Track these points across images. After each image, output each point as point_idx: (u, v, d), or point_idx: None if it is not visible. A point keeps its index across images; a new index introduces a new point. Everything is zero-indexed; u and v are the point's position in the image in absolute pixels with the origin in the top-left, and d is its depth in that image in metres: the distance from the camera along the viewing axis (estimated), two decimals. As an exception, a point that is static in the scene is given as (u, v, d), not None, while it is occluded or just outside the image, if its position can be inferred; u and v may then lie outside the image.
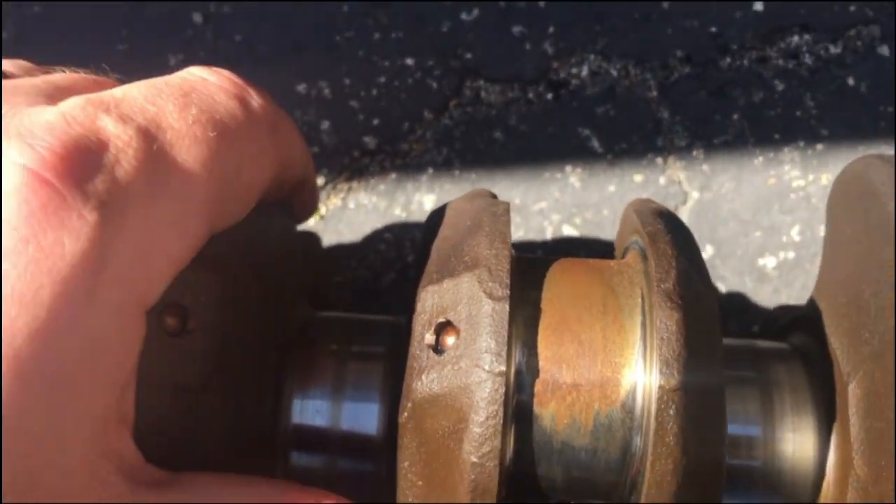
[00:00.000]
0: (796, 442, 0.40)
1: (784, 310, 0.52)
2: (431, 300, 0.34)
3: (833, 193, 0.43)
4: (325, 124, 0.59)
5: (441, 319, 0.33)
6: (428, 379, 0.33)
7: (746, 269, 0.58)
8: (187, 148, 0.32)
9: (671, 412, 0.31)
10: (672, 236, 0.35)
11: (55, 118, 0.29)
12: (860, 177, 0.40)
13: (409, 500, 0.34)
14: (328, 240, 0.59)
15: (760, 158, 0.58)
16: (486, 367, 0.31)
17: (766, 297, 0.58)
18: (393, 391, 0.40)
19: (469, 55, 0.59)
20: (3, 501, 0.26)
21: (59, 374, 0.27)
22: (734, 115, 0.58)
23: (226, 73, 0.36)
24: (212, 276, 0.35)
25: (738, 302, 0.58)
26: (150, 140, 0.31)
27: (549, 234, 0.58)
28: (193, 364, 0.34)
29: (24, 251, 0.27)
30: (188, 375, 0.34)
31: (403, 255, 0.59)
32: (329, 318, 0.46)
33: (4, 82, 0.31)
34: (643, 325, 0.33)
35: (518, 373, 0.33)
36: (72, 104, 0.30)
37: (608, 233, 0.58)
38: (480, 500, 0.32)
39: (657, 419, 0.31)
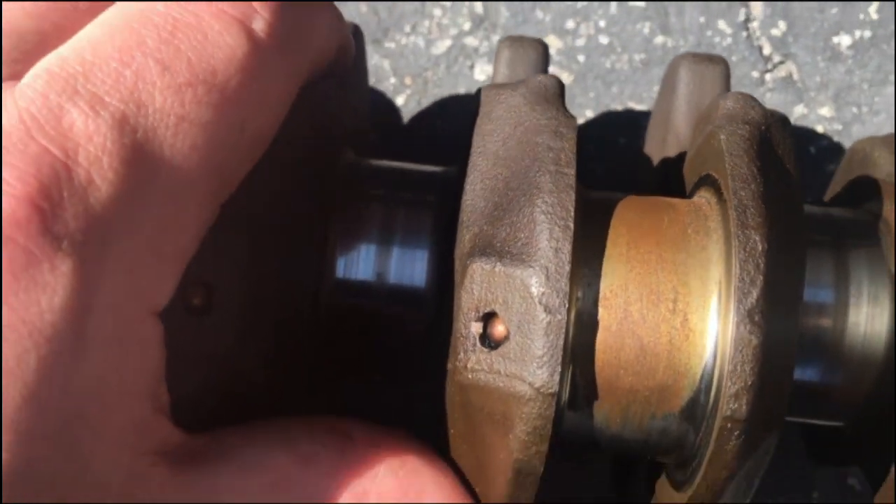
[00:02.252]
0: (870, 312, 0.37)
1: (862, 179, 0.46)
2: (478, 283, 0.30)
3: None
4: None
5: (488, 310, 0.30)
6: (475, 368, 0.30)
7: (820, 48, 0.52)
8: (175, 130, 0.26)
9: (734, 436, 0.29)
10: (765, 188, 0.30)
11: (12, 127, 0.24)
12: None
13: (459, 445, 0.33)
14: (382, 5, 0.52)
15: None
16: (538, 385, 0.29)
17: (839, 77, 0.53)
18: (441, 244, 0.37)
19: None
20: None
21: (72, 424, 0.26)
22: None
23: None
24: (234, 236, 0.31)
25: (809, 83, 0.53)
26: (127, 130, 0.25)
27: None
28: (225, 336, 0.32)
29: None
30: (220, 347, 0.32)
31: (459, 22, 0.53)
32: (374, 166, 0.42)
33: None
34: (715, 339, 0.30)
35: (572, 376, 0.30)
36: (32, 91, 0.25)
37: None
38: (522, 480, 0.31)
39: (716, 443, 0.29)
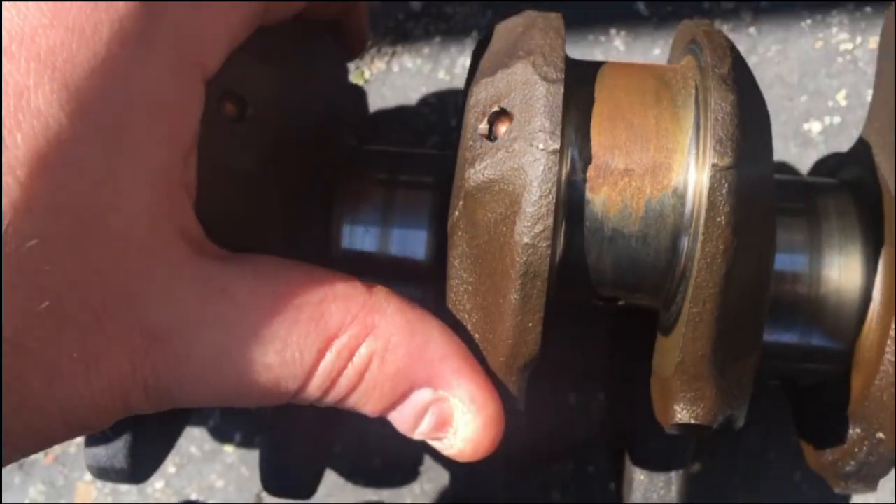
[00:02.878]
0: (843, 267, 0.40)
1: (832, 155, 0.51)
2: (485, 92, 0.34)
3: (885, 27, 0.43)
4: (370, -14, 0.58)
5: (495, 108, 0.33)
6: (481, 166, 0.33)
7: (791, 134, 0.58)
8: None
9: (724, 191, 0.31)
10: (726, 39, 0.35)
11: None
12: None
13: (460, 297, 0.35)
14: (372, 104, 0.59)
15: (808, 21, 0.58)
16: (541, 146, 0.31)
17: (811, 162, 0.57)
18: (440, 219, 0.40)
19: (516, -85, 0.58)
20: (67, 237, 0.27)
21: (119, 116, 0.28)
22: (782, -22, 0.58)
23: None
24: (269, 68, 0.35)
25: (782, 168, 0.58)
26: None
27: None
28: (252, 150, 0.34)
29: None
30: (247, 160, 0.34)
31: (447, 118, 0.59)
32: (377, 150, 0.46)
33: None
34: (696, 111, 0.33)
35: (571, 158, 0.33)
36: None
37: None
38: (531, 284, 0.32)
39: (709, 198, 0.31)
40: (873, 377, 0.39)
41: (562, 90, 0.32)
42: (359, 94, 0.54)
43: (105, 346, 0.29)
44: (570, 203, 0.33)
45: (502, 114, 0.33)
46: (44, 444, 0.30)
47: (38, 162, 0.26)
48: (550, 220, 0.31)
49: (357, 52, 0.46)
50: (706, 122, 0.32)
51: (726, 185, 0.31)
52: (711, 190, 0.31)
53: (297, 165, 0.37)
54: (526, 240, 0.32)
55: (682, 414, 0.34)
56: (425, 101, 0.59)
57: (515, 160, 0.32)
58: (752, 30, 0.58)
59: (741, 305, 0.33)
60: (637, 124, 0.33)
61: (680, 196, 0.32)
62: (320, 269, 0.34)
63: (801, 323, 0.41)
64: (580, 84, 0.34)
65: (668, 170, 0.32)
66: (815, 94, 0.58)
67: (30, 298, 0.27)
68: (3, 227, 0.25)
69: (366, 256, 0.42)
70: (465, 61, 0.59)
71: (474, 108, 0.34)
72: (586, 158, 0.33)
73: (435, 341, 0.34)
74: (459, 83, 0.59)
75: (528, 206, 0.31)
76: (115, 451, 0.45)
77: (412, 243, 0.42)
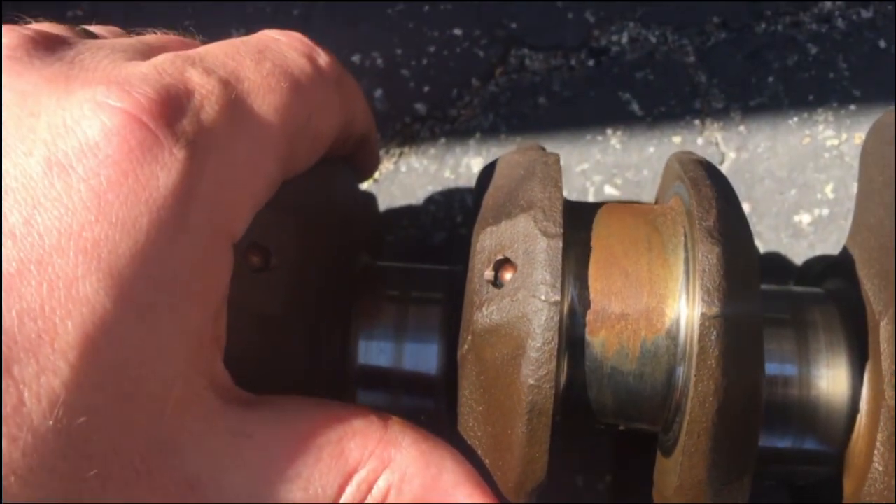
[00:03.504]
0: (830, 378, 0.43)
1: (819, 259, 0.54)
2: (490, 240, 0.37)
3: (865, 144, 0.45)
4: (379, 92, 0.61)
5: (500, 257, 0.36)
6: (488, 311, 0.36)
7: (782, 226, 0.61)
8: (262, 96, 0.35)
9: (712, 338, 0.33)
10: (712, 181, 0.37)
11: (149, 70, 0.33)
12: (889, 125, 0.42)
13: (471, 424, 0.37)
14: (382, 202, 0.62)
15: (795, 119, 0.61)
16: (543, 298, 0.34)
17: (802, 252, 0.60)
18: (450, 333, 0.43)
19: (514, 25, 0.61)
20: (111, 407, 0.30)
21: (156, 293, 0.30)
22: (769, 78, 0.61)
23: (296, 34, 0.39)
24: (289, 218, 0.38)
25: (774, 257, 0.61)
26: (230, 89, 0.34)
27: (591, 195, 0.61)
28: (276, 296, 0.37)
29: (124, 183, 0.30)
30: (271, 307, 0.37)
31: (453, 215, 0.62)
32: (389, 267, 0.49)
33: (106, 41, 0.35)
34: (686, 260, 0.36)
35: (571, 304, 0.36)
36: (162, 59, 0.34)
37: (648, 193, 0.61)
38: (537, 420, 0.35)
39: (700, 344, 0.34)
40: (863, 484, 0.41)
41: (560, 244, 0.35)
42: (370, 200, 0.57)
43: (146, 499, 0.31)
44: (571, 345, 0.36)
45: (506, 262, 0.36)
46: None
47: (87, 344, 0.29)
48: (553, 364, 0.34)
49: (369, 174, 0.49)
50: (694, 272, 0.35)
51: (714, 332, 0.33)
52: (701, 336, 0.34)
53: (318, 303, 0.40)
54: (531, 381, 0.34)
55: (682, 533, 0.37)
56: (431, 199, 0.62)
57: (519, 308, 0.35)
58: (741, 128, 0.61)
59: (735, 433, 0.35)
60: (631, 272, 0.36)
61: (673, 338, 0.35)
62: (338, 405, 0.36)
63: (794, 427, 0.43)
64: (578, 231, 0.37)
65: (661, 314, 0.35)
66: (804, 187, 0.61)
67: (79, 468, 0.29)
68: (57, 409, 0.28)
69: (381, 372, 0.45)
70: (468, 161, 0.61)
71: (480, 255, 0.37)
72: (585, 304, 0.35)
73: (448, 470, 0.36)
74: (464, 182, 0.62)
75: (532, 352, 0.34)
76: None
77: (424, 357, 0.45)
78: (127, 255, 0.30)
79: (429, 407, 0.44)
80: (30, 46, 0.33)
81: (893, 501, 0.39)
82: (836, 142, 0.60)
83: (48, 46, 0.33)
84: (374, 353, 0.45)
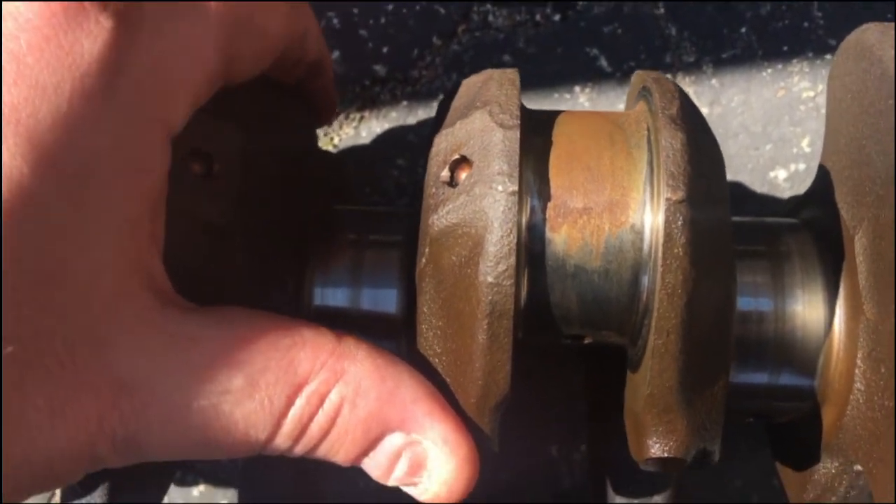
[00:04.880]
0: (806, 305, 0.43)
1: (793, 197, 0.54)
2: (445, 142, 0.37)
3: (833, 67, 0.46)
4: (336, 54, 0.62)
5: (455, 156, 0.36)
6: (444, 211, 0.35)
7: (758, 182, 0.61)
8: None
9: (679, 223, 0.33)
10: (675, 85, 0.38)
11: None
12: (857, 42, 0.42)
13: (430, 342, 0.37)
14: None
15: (769, 71, 0.61)
16: (500, 188, 0.34)
17: (779, 210, 0.60)
18: (410, 275, 0.42)
19: (476, -20, 0.62)
20: (30, 285, 0.29)
21: (82, 169, 0.30)
22: (742, 29, 0.61)
23: None
24: (233, 127, 0.38)
25: (751, 215, 0.61)
26: None
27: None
28: (218, 204, 0.37)
29: (46, 48, 0.30)
30: (214, 214, 0.37)
31: (417, 181, 0.61)
32: (346, 210, 0.49)
33: None
34: (649, 151, 0.36)
35: (531, 199, 0.36)
36: None
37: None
38: (497, 323, 0.34)
39: (665, 231, 0.34)
40: (844, 409, 0.41)
41: (517, 135, 0.35)
42: (337, 161, 0.57)
43: (71, 394, 0.31)
44: (532, 242, 0.36)
45: (462, 161, 0.36)
46: (10, 495, 0.31)
47: (3, 210, 0.28)
48: (513, 259, 0.34)
49: (326, 117, 0.49)
50: (658, 161, 0.35)
51: (681, 218, 0.33)
52: (667, 223, 0.34)
53: (264, 222, 0.40)
54: (490, 279, 0.34)
55: (655, 448, 0.36)
56: (394, 165, 0.62)
57: (476, 203, 0.34)
58: (714, 81, 0.61)
59: (706, 336, 0.35)
60: (593, 166, 0.36)
61: (638, 232, 0.35)
62: (288, 318, 0.36)
63: (770, 362, 0.43)
64: (537, 131, 0.37)
65: (625, 207, 0.35)
66: (780, 141, 0.61)
67: None
68: None
69: (338, 311, 0.44)
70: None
71: (435, 158, 0.37)
72: (545, 199, 0.35)
73: (406, 385, 0.36)
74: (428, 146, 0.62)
75: (490, 247, 0.34)
76: (94, 484, 0.46)
77: (383, 301, 0.45)
78: (48, 120, 0.30)
79: (390, 348, 0.44)
80: None
81: (878, 419, 0.39)
82: (811, 93, 0.61)
83: None
84: (329, 296, 0.45)
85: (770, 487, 0.58)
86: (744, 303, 0.42)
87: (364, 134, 0.62)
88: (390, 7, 0.62)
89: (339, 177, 0.57)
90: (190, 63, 0.35)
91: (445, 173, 0.36)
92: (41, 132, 0.29)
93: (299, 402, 0.34)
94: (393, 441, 0.36)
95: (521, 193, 0.34)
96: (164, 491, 0.51)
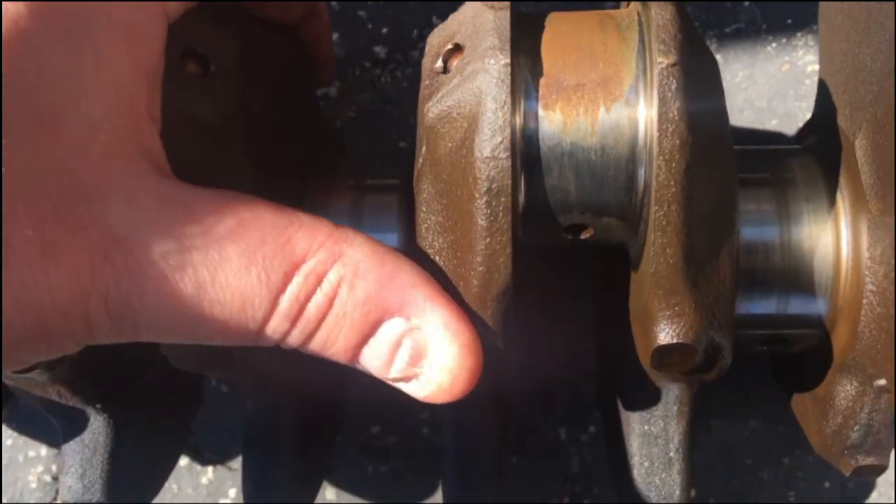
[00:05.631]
0: (813, 226, 0.43)
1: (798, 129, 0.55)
2: (437, 37, 0.38)
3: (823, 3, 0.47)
4: (335, 36, 0.63)
5: (448, 46, 0.37)
6: (438, 96, 0.36)
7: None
8: None
9: (672, 87, 0.34)
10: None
11: None
12: None
13: (428, 239, 0.37)
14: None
15: (773, 45, 0.62)
16: (492, 62, 0.35)
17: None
18: (408, 219, 0.43)
19: (475, -40, 0.63)
20: (25, 125, 0.30)
21: (80, 22, 0.32)
22: (745, 2, 0.62)
23: None
24: (230, 34, 0.39)
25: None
26: None
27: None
28: (214, 102, 0.38)
29: None
30: (211, 114, 0.38)
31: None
32: (347, 158, 0.50)
33: None
34: (640, 30, 0.37)
35: (524, 78, 0.36)
36: None
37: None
38: (496, 202, 0.35)
39: (660, 95, 0.34)
40: (857, 318, 0.40)
41: (508, 14, 0.36)
42: (337, 134, 0.58)
43: (63, 238, 0.31)
44: (526, 120, 0.36)
45: (455, 49, 0.37)
46: (7, 353, 0.31)
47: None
48: (508, 132, 0.34)
49: (325, 70, 0.50)
50: (650, 36, 0.36)
51: (675, 82, 0.34)
52: (661, 87, 0.34)
53: (263, 133, 0.40)
54: (486, 153, 0.35)
55: (663, 334, 0.36)
56: (396, 147, 0.63)
57: (469, 82, 0.35)
58: (718, 56, 0.62)
59: (709, 211, 0.36)
60: (584, 46, 0.37)
61: (632, 105, 0.36)
62: (284, 206, 0.36)
63: (778, 291, 0.43)
64: (527, 22, 0.38)
65: (619, 81, 0.36)
66: (785, 116, 0.62)
67: None
68: None
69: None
70: (433, 104, 0.62)
71: (429, 54, 0.38)
72: (537, 77, 0.36)
73: (405, 270, 0.36)
74: (430, 126, 0.63)
75: (484, 121, 0.35)
76: (92, 482, 0.46)
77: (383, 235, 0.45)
78: None
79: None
80: None
81: (892, 315, 0.38)
82: (816, 67, 0.62)
83: None
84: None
85: (780, 464, 0.58)
86: (750, 232, 0.43)
87: (365, 115, 0.63)
88: (389, -12, 0.63)
89: (339, 150, 0.58)
90: None
91: (439, 64, 0.37)
92: None
93: (297, 280, 0.34)
94: (393, 327, 0.35)
95: (513, 73, 0.35)
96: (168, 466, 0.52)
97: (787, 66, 0.62)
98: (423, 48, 0.62)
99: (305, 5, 0.46)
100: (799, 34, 0.62)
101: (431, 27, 0.63)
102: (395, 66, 0.63)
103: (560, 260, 0.51)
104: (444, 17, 0.62)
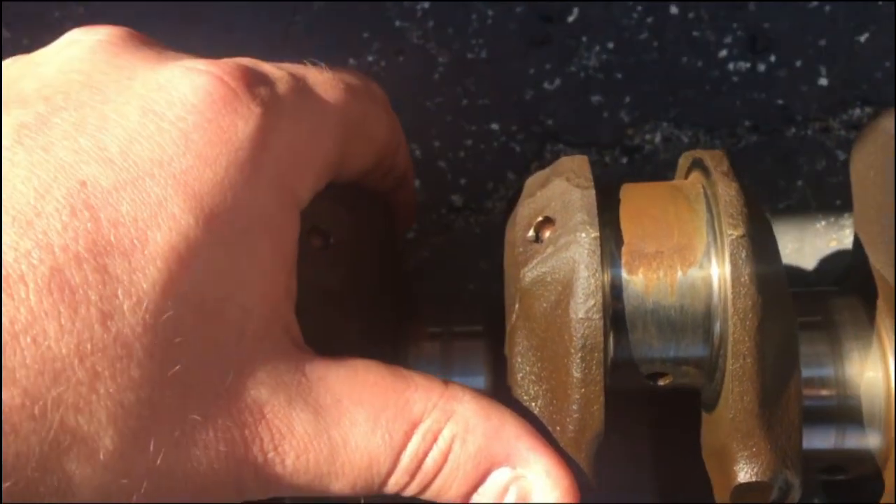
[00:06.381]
0: (865, 367, 0.49)
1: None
2: (527, 209, 0.45)
3: (854, 152, 0.53)
4: (416, 183, 0.70)
5: (539, 218, 0.44)
6: (533, 263, 0.43)
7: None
8: (324, 89, 0.45)
9: (742, 255, 0.41)
10: (722, 150, 0.46)
11: (229, 59, 0.43)
12: (874, 126, 0.50)
13: (525, 387, 0.44)
14: (418, 291, 0.69)
15: (822, 223, 0.68)
16: (583, 235, 0.42)
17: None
18: (495, 363, 0.49)
19: (550, 121, 0.71)
20: (194, 318, 0.36)
21: (236, 224, 0.38)
22: (798, 182, 0.69)
23: None
24: (345, 210, 0.47)
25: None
26: (298, 78, 0.44)
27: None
28: (336, 273, 0.45)
29: (208, 128, 0.39)
30: (333, 281, 0.45)
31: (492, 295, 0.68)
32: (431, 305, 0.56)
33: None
34: (707, 203, 0.44)
35: (609, 248, 0.43)
36: (239, 59, 0.44)
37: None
38: (590, 356, 0.41)
39: (731, 262, 0.41)
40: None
41: (593, 193, 0.43)
42: (407, 277, 0.65)
43: (223, 419, 0.37)
44: (613, 283, 0.43)
45: (546, 222, 0.44)
46: None
47: (172, 255, 0.36)
48: (600, 296, 0.41)
49: (406, 222, 0.59)
50: (717, 208, 0.43)
51: (744, 251, 0.41)
52: (732, 255, 0.41)
53: (370, 292, 0.48)
54: (581, 314, 0.41)
55: (742, 473, 0.42)
56: (466, 290, 0.69)
57: (563, 252, 0.42)
58: (771, 229, 0.68)
59: (778, 361, 0.42)
60: (659, 217, 0.44)
61: (706, 269, 0.43)
62: (398, 367, 0.43)
63: (835, 428, 0.49)
64: (606, 194, 0.45)
65: (693, 249, 0.43)
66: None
67: (163, 364, 0.35)
68: (145, 305, 0.35)
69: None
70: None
71: (520, 224, 0.45)
72: (620, 246, 0.43)
73: (509, 423, 0.42)
74: (499, 272, 0.69)
75: (578, 287, 0.42)
76: None
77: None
78: (209, 184, 0.38)
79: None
80: (125, 35, 0.43)
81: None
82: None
83: (139, 37, 0.43)
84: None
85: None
86: (807, 372, 0.48)
87: (439, 259, 0.69)
88: (469, 142, 0.70)
89: (411, 295, 0.65)
90: (316, 149, 0.43)
91: (531, 233, 0.44)
92: (204, 193, 0.37)
93: (415, 439, 0.40)
94: (500, 476, 0.41)
95: (601, 244, 0.42)
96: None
97: (835, 243, 0.68)
98: (497, 199, 0.70)
99: (397, 177, 0.54)
100: (846, 215, 0.69)
101: (506, 181, 0.70)
102: (469, 214, 0.70)
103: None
104: (518, 171, 0.70)
